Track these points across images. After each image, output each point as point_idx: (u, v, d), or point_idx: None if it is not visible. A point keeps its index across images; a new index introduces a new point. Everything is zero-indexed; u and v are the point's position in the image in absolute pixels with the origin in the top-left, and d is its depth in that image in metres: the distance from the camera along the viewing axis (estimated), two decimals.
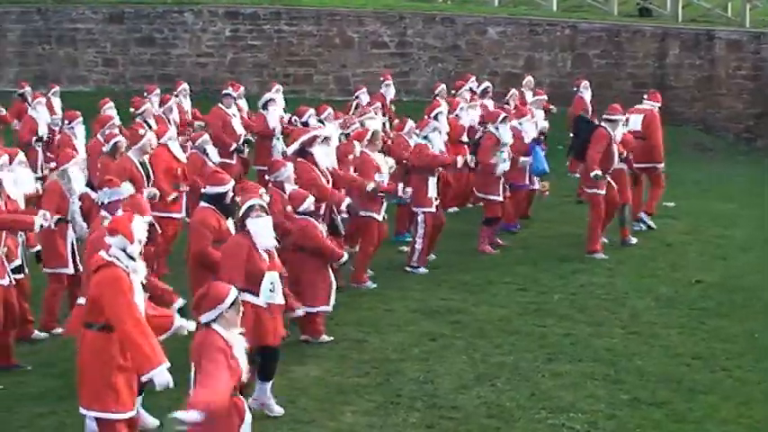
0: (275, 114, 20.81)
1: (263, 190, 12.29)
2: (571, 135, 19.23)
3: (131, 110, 20.20)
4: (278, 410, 11.19)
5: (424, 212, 16.59)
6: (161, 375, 8.96)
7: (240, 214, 11.23)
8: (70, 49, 32.50)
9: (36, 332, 13.70)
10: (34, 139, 20.77)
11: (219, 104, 21.01)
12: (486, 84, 23.67)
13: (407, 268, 16.73)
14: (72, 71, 32.33)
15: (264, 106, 20.97)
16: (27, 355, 13.06)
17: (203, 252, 12.21)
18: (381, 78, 24.91)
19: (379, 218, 15.97)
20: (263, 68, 31.70)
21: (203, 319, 8.12)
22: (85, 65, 32.46)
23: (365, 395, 11.77)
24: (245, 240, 10.98)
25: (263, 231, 10.99)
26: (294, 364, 12.45)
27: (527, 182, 19.17)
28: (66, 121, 19.59)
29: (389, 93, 24.12)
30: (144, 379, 9.14)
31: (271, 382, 11.21)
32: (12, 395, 11.88)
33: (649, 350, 13.32)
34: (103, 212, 11.89)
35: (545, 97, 22.43)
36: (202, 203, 12.64)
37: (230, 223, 12.30)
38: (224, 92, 21.45)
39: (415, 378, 12.27)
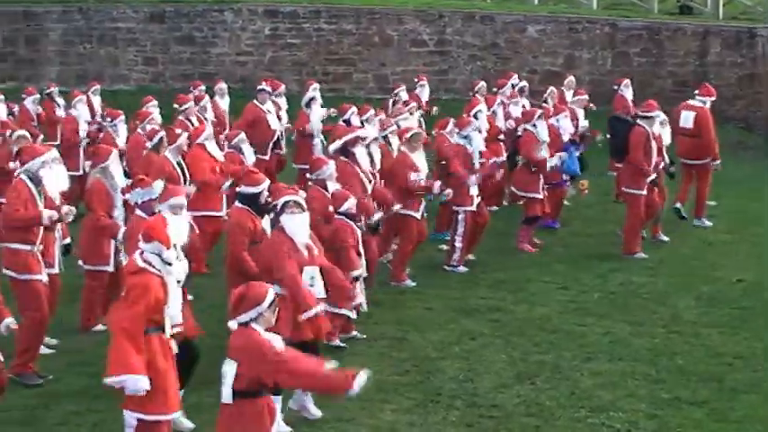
0: (317, 113, 20.87)
1: (302, 194, 12.22)
2: (608, 136, 19.12)
3: (175, 105, 20.28)
4: (316, 413, 11.13)
5: (464, 211, 16.56)
6: (135, 383, 8.98)
7: (276, 210, 11.26)
8: (111, 48, 32.64)
9: (47, 339, 13.56)
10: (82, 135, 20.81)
11: (254, 101, 21.08)
12: (524, 83, 23.59)
13: (446, 267, 16.71)
14: (113, 70, 32.47)
15: (308, 105, 21.08)
16: (65, 353, 13.15)
17: (239, 258, 12.28)
18: (416, 80, 24.88)
19: (418, 216, 15.96)
20: (302, 67, 31.73)
21: (241, 319, 8.09)
22: (126, 64, 32.59)
23: (405, 393, 11.78)
24: (283, 237, 11.00)
25: (298, 228, 11.01)
26: None
27: (563, 179, 19.09)
28: (109, 119, 19.67)
29: (424, 93, 24.08)
30: (110, 381, 9.08)
31: None
32: (48, 392, 11.96)
33: (690, 349, 13.25)
34: (138, 212, 11.96)
35: (586, 97, 22.24)
36: (237, 204, 12.71)
37: (266, 223, 12.33)
38: (259, 87, 21.50)
39: (454, 376, 12.27)
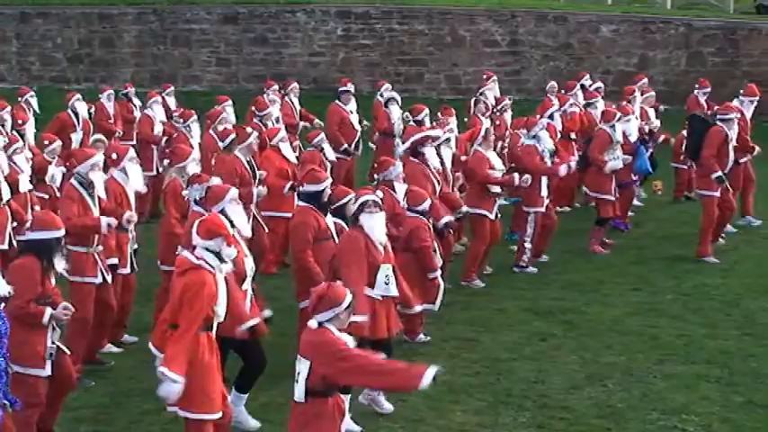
0: (397, 113, 20.94)
1: (378, 193, 12.23)
2: (685, 134, 18.95)
3: (253, 109, 20.24)
4: (387, 407, 11.21)
5: (534, 212, 16.52)
6: (173, 385, 9.04)
7: (354, 209, 11.35)
8: (185, 50, 32.94)
9: (126, 336, 13.69)
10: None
11: (337, 101, 21.09)
12: (599, 83, 23.39)
13: (515, 268, 16.65)
14: (186, 71, 32.75)
15: (386, 105, 21.17)
16: (139, 352, 13.22)
17: (300, 256, 12.28)
18: (484, 76, 24.74)
19: (492, 216, 15.92)
20: (374, 67, 31.78)
21: (318, 318, 8.16)
22: (199, 65, 32.86)
23: (475, 394, 11.76)
24: (360, 234, 11.12)
25: (376, 227, 11.16)
26: None
27: (633, 178, 18.92)
28: (182, 120, 19.84)
29: (494, 91, 23.85)
30: (166, 373, 9.08)
31: None
32: (121, 391, 12.05)
33: (764, 352, 13.09)
34: (196, 208, 12.02)
35: (653, 94, 21.88)
36: (300, 202, 12.74)
37: (329, 220, 12.37)
38: (343, 89, 21.47)
39: (525, 378, 12.23)
